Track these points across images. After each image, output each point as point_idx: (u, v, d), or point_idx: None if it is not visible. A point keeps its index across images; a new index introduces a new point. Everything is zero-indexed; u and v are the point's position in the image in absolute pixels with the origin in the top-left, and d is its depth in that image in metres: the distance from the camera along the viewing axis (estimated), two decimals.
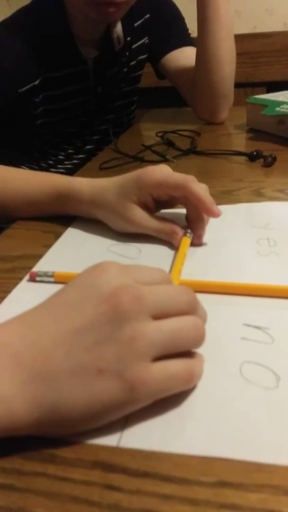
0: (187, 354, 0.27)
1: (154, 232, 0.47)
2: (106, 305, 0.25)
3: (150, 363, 0.25)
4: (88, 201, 0.50)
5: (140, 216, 0.47)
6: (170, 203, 0.49)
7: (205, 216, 0.46)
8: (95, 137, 1.01)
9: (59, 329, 0.25)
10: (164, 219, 0.47)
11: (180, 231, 0.45)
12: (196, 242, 0.46)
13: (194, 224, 0.46)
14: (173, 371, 0.26)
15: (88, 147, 1.00)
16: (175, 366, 0.26)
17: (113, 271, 0.27)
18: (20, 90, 0.84)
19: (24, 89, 0.84)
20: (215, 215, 0.44)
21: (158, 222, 0.47)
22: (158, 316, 0.26)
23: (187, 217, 0.47)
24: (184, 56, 1.01)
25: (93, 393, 0.24)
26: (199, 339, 0.27)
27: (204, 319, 0.29)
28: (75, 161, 1.01)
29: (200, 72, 0.94)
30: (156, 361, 0.25)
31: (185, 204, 0.47)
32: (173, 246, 0.45)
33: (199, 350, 0.30)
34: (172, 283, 0.30)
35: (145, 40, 0.99)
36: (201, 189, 0.44)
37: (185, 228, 0.46)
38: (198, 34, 0.91)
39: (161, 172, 0.46)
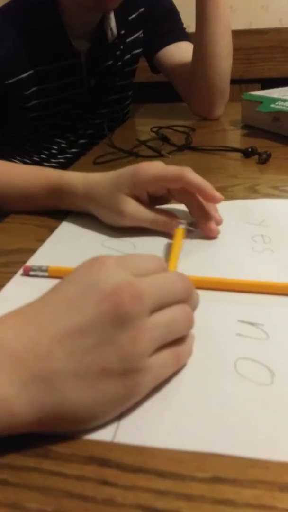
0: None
1: (149, 223, 0.47)
2: (107, 304, 0.24)
3: (148, 359, 0.25)
4: (82, 195, 0.50)
5: (134, 208, 0.47)
6: (165, 199, 0.49)
7: (208, 206, 0.46)
8: (88, 131, 1.00)
9: (59, 328, 0.24)
10: (159, 210, 0.47)
11: (176, 221, 0.45)
12: (208, 234, 0.45)
13: (199, 217, 0.46)
14: (164, 360, 0.26)
15: (81, 141, 1.00)
16: (165, 354, 0.27)
17: (111, 266, 0.26)
18: (6, 82, 0.83)
19: (11, 81, 0.83)
20: (217, 199, 0.44)
21: (153, 213, 0.47)
22: (156, 309, 0.26)
23: (191, 212, 0.47)
24: (180, 51, 1.00)
25: (97, 393, 0.24)
26: (189, 327, 0.28)
27: (197, 303, 0.30)
28: (68, 155, 1.00)
29: (197, 68, 0.93)
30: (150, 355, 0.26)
31: (183, 200, 0.47)
32: (170, 238, 0.45)
33: (195, 345, 0.30)
34: (167, 270, 0.30)
35: (139, 34, 0.99)
36: (198, 177, 0.44)
37: (178, 220, 0.46)
38: (196, 30, 0.90)
39: (157, 167, 0.46)
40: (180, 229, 0.44)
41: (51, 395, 0.23)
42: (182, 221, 0.45)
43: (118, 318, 0.24)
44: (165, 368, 0.27)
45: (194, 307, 0.29)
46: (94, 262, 0.27)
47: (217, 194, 0.44)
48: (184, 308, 0.28)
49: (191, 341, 0.29)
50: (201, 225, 0.46)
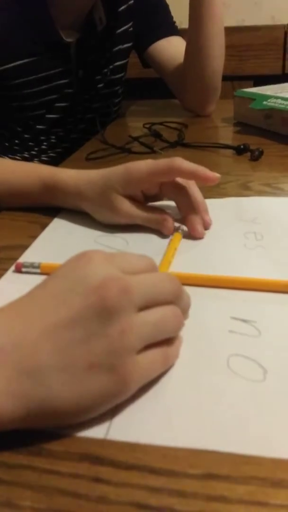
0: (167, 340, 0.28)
1: (143, 221, 0.47)
2: (94, 297, 0.24)
3: (136, 355, 0.25)
4: (74, 193, 0.49)
5: (128, 206, 0.46)
6: (157, 197, 0.49)
7: (198, 207, 0.46)
8: (79, 126, 0.99)
9: (46, 322, 0.24)
10: (153, 208, 0.47)
11: (170, 218, 0.46)
12: (194, 234, 0.45)
13: (187, 215, 0.46)
14: (153, 358, 0.26)
15: (72, 136, 0.99)
16: (154, 353, 0.27)
17: (99, 261, 0.26)
18: None
19: (1, 72, 0.82)
20: (213, 179, 0.44)
21: (147, 211, 0.47)
22: (144, 307, 0.26)
23: (180, 210, 0.47)
24: (171, 46, 1.00)
25: (84, 388, 0.23)
26: (178, 328, 0.28)
27: (188, 305, 0.30)
28: (58, 150, 0.99)
29: (190, 66, 0.93)
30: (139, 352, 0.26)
31: (174, 197, 0.47)
32: (163, 235, 0.46)
33: (187, 342, 0.30)
34: (157, 270, 0.30)
35: (129, 26, 0.98)
36: (190, 163, 0.44)
37: (177, 224, 0.46)
38: (189, 29, 0.90)
39: (147, 163, 0.45)
40: (179, 234, 0.44)
41: (37, 389, 0.23)
42: (181, 226, 0.46)
43: (105, 311, 0.24)
44: (154, 367, 0.27)
45: (184, 309, 0.30)
46: (82, 257, 0.27)
47: (212, 174, 0.44)
48: (173, 309, 0.28)
49: (179, 344, 0.30)
50: (188, 223, 0.46)
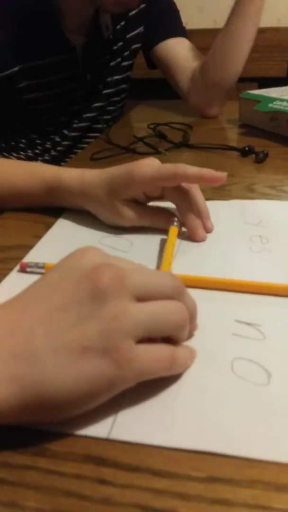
0: (174, 343, 0.28)
1: (150, 223, 0.47)
2: (87, 281, 0.25)
3: (134, 343, 0.24)
4: (78, 194, 0.49)
5: (133, 212, 0.46)
6: (159, 198, 0.48)
7: (197, 206, 0.46)
8: (81, 125, 0.99)
9: (40, 308, 0.25)
10: (156, 208, 0.47)
11: (176, 216, 0.46)
12: (194, 238, 0.45)
13: (188, 219, 0.45)
14: (156, 354, 0.26)
15: (73, 134, 0.99)
16: (158, 349, 0.26)
17: (95, 253, 0.27)
18: (2, 76, 0.83)
19: (3, 74, 0.83)
20: (219, 179, 0.44)
21: (152, 213, 0.47)
22: (141, 298, 0.26)
23: (181, 214, 0.47)
24: (180, 45, 1.00)
25: (78, 372, 0.23)
26: (182, 323, 0.27)
27: (192, 309, 0.29)
28: (59, 148, 0.99)
29: (213, 64, 0.93)
30: (140, 343, 0.25)
31: (176, 200, 0.46)
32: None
33: (191, 344, 0.30)
34: (155, 270, 0.30)
35: (140, 29, 0.98)
36: (194, 168, 0.44)
37: (173, 218, 0.46)
38: (224, 29, 0.90)
39: (151, 167, 0.45)
40: (174, 228, 0.44)
41: (31, 373, 0.23)
42: (175, 219, 0.45)
43: (97, 293, 0.24)
44: (156, 364, 0.25)
45: (188, 308, 0.28)
46: (78, 251, 0.28)
47: (218, 174, 0.44)
48: (176, 303, 0.27)
49: (189, 356, 0.28)
50: (188, 227, 0.45)
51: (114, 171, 0.47)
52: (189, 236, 0.45)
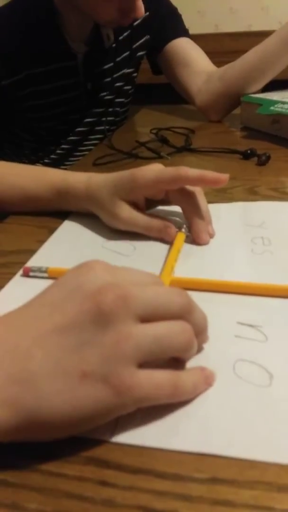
0: (179, 366, 0.27)
1: (142, 230, 0.46)
2: (90, 303, 0.24)
3: (135, 369, 0.24)
4: (85, 197, 0.50)
5: (128, 214, 0.46)
6: (164, 202, 0.49)
7: (201, 210, 0.46)
8: (82, 129, 1.00)
9: (40, 330, 0.24)
10: (154, 216, 0.47)
11: (172, 226, 0.45)
12: (197, 241, 0.45)
13: (193, 221, 0.45)
14: (158, 380, 0.24)
15: (73, 138, 0.99)
16: (161, 375, 0.25)
17: (99, 270, 0.26)
18: (3, 83, 0.84)
19: (7, 82, 0.84)
20: (221, 181, 0.44)
21: (147, 220, 0.46)
22: (146, 319, 0.25)
23: (186, 216, 0.47)
24: (188, 47, 1.00)
25: (76, 398, 0.23)
26: (187, 345, 0.26)
27: (202, 324, 0.28)
28: (59, 151, 1.00)
29: (237, 76, 0.92)
30: (142, 368, 0.24)
31: (180, 202, 0.47)
32: (166, 242, 0.45)
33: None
34: (163, 286, 0.28)
35: (146, 38, 0.99)
36: (195, 170, 0.44)
37: (180, 224, 0.46)
38: (261, 47, 0.89)
39: (154, 171, 0.45)
40: (182, 234, 0.44)
41: (27, 397, 0.22)
42: (184, 226, 0.46)
43: (100, 317, 0.23)
44: (158, 391, 0.24)
45: (196, 325, 0.27)
46: (83, 266, 0.26)
47: (220, 176, 0.44)
48: (181, 324, 0.26)
49: (192, 377, 0.27)
50: (193, 230, 0.45)
51: (119, 174, 0.47)
52: (194, 240, 0.45)
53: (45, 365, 0.23)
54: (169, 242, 0.45)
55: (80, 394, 0.23)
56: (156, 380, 0.24)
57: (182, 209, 0.47)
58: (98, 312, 0.23)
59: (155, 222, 0.46)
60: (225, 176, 0.44)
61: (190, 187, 0.46)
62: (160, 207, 0.50)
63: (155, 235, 0.46)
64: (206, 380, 0.27)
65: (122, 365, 0.23)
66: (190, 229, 0.46)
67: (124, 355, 0.23)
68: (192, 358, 0.29)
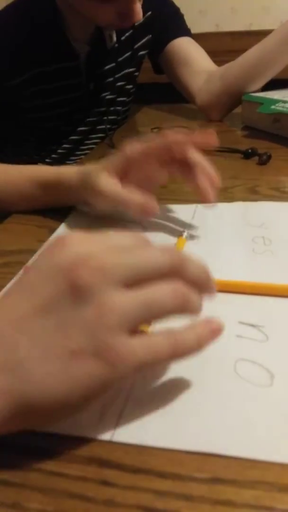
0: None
1: (123, 202, 0.45)
2: (64, 280, 0.23)
3: (127, 337, 0.23)
4: (79, 186, 0.50)
5: (110, 187, 0.46)
6: (162, 178, 0.48)
7: (201, 166, 0.46)
8: (83, 128, 1.00)
9: (20, 315, 0.23)
10: (138, 192, 0.45)
11: (154, 202, 0.44)
12: (204, 201, 0.45)
13: (195, 183, 0.46)
14: (154, 342, 0.24)
15: (75, 137, 1.00)
16: (157, 337, 0.24)
17: (73, 244, 0.24)
18: (8, 84, 0.84)
19: (13, 82, 0.84)
20: (211, 140, 0.45)
21: (128, 193, 0.45)
22: (131, 283, 0.24)
23: (188, 179, 0.47)
24: (190, 46, 1.00)
25: (70, 378, 0.22)
26: (182, 304, 0.24)
27: (201, 277, 0.26)
28: (60, 151, 1.00)
29: (238, 74, 0.92)
30: (136, 335, 0.23)
31: (180, 172, 0.47)
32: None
33: None
34: (150, 246, 0.26)
35: (148, 37, 0.99)
36: (183, 135, 0.45)
37: (180, 232, 0.46)
38: (261, 45, 0.89)
39: (141, 143, 0.46)
40: (183, 239, 0.45)
41: (19, 384, 0.22)
42: (185, 231, 0.46)
43: (78, 293, 0.22)
44: (155, 355, 0.23)
45: (195, 279, 0.25)
46: (56, 243, 0.25)
47: (207, 133, 0.45)
48: (171, 283, 0.24)
49: (191, 332, 0.25)
50: (198, 191, 0.46)
51: (110, 156, 0.48)
52: (201, 201, 0.46)
53: (32, 351, 0.22)
54: (144, 219, 0.45)
55: (73, 374, 0.22)
56: (152, 343, 0.23)
57: (183, 176, 0.47)
58: (75, 288, 0.22)
59: (136, 196, 0.45)
60: (214, 135, 0.45)
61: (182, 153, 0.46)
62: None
63: (135, 208, 0.44)
64: (213, 332, 0.26)
65: (110, 336, 0.22)
66: (196, 193, 0.46)
67: (110, 326, 0.22)
68: (193, 357, 0.28)
